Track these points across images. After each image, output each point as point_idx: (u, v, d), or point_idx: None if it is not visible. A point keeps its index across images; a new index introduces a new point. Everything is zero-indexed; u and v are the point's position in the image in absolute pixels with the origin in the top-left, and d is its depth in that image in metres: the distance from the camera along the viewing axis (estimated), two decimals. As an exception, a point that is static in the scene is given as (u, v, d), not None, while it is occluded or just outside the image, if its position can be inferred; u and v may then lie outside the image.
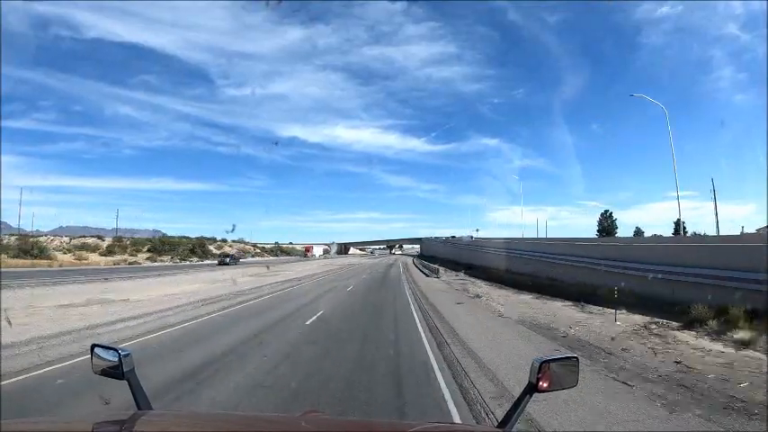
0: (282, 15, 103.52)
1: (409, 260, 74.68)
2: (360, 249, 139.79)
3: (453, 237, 79.27)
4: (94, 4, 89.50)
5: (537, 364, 1.40)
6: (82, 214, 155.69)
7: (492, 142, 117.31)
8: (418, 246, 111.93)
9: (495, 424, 1.82)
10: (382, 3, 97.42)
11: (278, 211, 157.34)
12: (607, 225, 50.79)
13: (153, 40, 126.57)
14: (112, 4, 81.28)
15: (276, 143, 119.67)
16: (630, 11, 76.04)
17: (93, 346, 1.61)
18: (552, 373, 1.43)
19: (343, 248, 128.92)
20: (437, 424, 1.74)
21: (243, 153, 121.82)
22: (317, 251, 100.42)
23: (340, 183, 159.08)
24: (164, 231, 68.69)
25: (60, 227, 64.63)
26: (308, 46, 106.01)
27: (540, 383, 1.40)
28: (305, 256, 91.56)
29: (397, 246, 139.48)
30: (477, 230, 59.88)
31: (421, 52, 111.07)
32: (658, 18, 74.63)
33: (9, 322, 9.16)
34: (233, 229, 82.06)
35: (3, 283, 16.58)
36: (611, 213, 52.97)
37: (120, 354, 1.49)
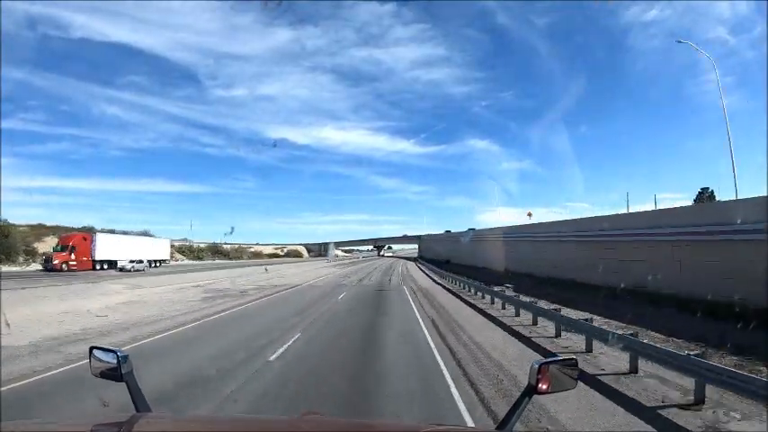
0: (271, 17, 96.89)
1: (413, 268, 54.64)
2: (342, 250, 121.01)
3: (449, 231, 70.25)
4: (83, 4, 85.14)
5: (536, 367, 1.36)
6: (67, 216, 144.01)
7: (481, 144, 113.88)
8: (415, 245, 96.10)
9: (495, 425, 1.55)
10: (371, 4, 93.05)
11: (267, 213, 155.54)
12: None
13: (141, 41, 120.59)
14: (101, 5, 76.70)
15: (275, 144, 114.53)
16: (620, 14, 74.67)
17: (92, 348, 1.56)
18: (551, 376, 1.39)
19: (325, 248, 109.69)
20: (435, 425, 1.64)
21: (232, 154, 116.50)
22: (120, 255, 39.62)
23: (329, 185, 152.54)
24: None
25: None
26: (297, 47, 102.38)
27: (540, 385, 1.36)
28: (45, 267, 35.10)
29: (387, 247, 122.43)
30: (530, 214, 41.63)
31: (410, 54, 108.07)
32: (647, 21, 73.48)
33: (8, 324, 9.00)
34: (231, 231, 78.95)
35: None
36: (713, 192, 37.18)
37: (118, 356, 1.45)
